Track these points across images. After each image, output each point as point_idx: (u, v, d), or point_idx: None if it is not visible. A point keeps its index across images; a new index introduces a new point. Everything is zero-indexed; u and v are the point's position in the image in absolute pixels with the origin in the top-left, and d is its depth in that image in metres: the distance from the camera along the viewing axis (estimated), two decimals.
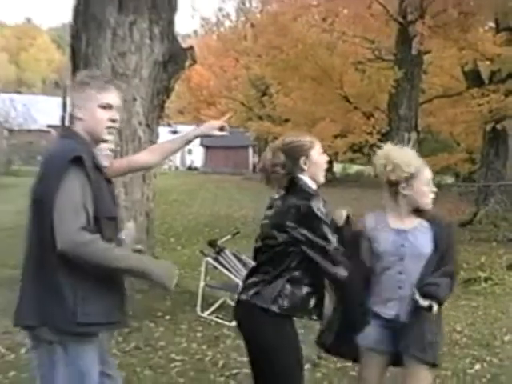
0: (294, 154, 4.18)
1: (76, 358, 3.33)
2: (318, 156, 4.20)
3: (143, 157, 4.17)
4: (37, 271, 3.33)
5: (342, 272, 3.83)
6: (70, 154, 3.24)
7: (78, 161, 3.24)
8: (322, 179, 4.22)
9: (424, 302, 3.90)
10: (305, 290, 3.95)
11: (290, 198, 4.07)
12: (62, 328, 3.26)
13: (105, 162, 3.76)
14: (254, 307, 3.91)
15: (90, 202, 3.27)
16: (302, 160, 4.16)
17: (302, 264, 3.93)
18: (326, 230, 3.88)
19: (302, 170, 4.16)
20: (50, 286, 3.27)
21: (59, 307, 3.25)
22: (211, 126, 4.18)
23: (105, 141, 3.55)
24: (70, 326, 3.25)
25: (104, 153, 3.79)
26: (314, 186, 4.14)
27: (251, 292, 3.97)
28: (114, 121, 3.50)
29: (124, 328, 3.64)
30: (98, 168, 3.40)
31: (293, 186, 4.15)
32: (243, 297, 4.03)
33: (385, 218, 4.24)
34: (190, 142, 4.17)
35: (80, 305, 3.25)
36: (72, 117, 3.53)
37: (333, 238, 3.87)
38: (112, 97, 3.51)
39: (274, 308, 3.87)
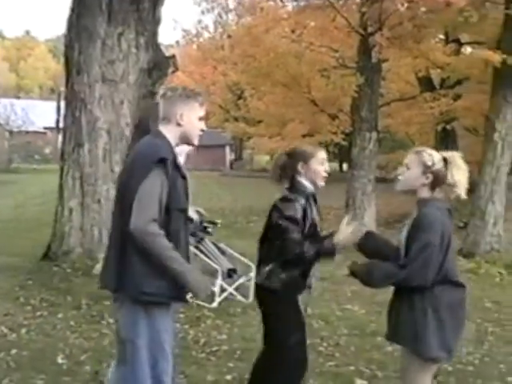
0: (294, 158, 4.50)
1: (154, 320, 3.63)
2: (316, 165, 4.47)
3: None
4: (118, 245, 3.59)
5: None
6: (156, 155, 3.53)
7: (162, 161, 3.52)
8: (320, 184, 4.51)
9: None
10: (295, 271, 4.33)
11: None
12: (132, 295, 3.56)
13: (182, 160, 4.25)
14: (259, 287, 4.48)
15: (165, 195, 3.53)
16: (299, 164, 4.46)
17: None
18: (289, 229, 4.25)
19: (300, 174, 4.46)
20: (126, 258, 3.53)
21: (131, 277, 3.52)
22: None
23: (194, 145, 3.92)
24: (138, 294, 3.53)
25: (185, 153, 4.42)
26: (310, 188, 4.45)
27: (259, 275, 4.47)
28: (203, 130, 3.86)
29: (183, 303, 4.26)
30: (176, 166, 3.64)
31: (291, 185, 4.47)
32: (256, 280, 4.57)
33: None
34: None
35: (145, 277, 3.50)
36: (166, 120, 3.77)
37: (293, 235, 4.24)
38: (204, 111, 3.88)
39: (271, 285, 4.32)
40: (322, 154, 4.53)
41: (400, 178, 4.01)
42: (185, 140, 3.83)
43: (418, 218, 3.84)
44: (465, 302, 3.99)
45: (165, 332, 3.68)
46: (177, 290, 3.61)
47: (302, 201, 4.33)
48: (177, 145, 3.81)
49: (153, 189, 3.48)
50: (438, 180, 3.89)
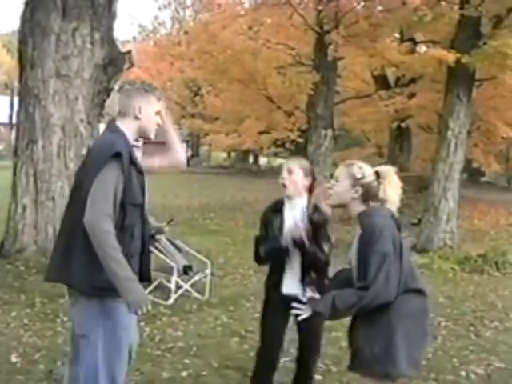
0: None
1: (110, 316, 3.55)
2: None
3: None
4: (67, 235, 3.56)
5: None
6: (111, 150, 3.49)
7: (117, 155, 3.48)
8: None
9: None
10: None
11: None
12: (82, 289, 3.51)
13: (139, 154, 4.11)
14: None
15: (120, 190, 3.50)
16: None
17: None
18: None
19: None
20: (76, 250, 3.47)
21: (80, 269, 3.46)
22: None
23: (150, 138, 3.89)
24: (86, 288, 3.48)
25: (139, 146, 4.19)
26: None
27: None
28: (159, 125, 3.88)
29: None
30: (132, 161, 3.60)
31: None
32: None
33: None
34: None
35: (95, 271, 3.42)
36: (122, 113, 3.74)
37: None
38: (162, 106, 3.88)
39: None
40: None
41: (330, 191, 3.87)
42: (142, 134, 3.81)
43: (365, 232, 3.66)
44: (427, 311, 3.82)
45: (121, 328, 3.60)
46: None
47: None
48: (136, 140, 3.80)
49: (107, 183, 3.44)
50: (368, 194, 3.75)
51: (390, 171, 3.82)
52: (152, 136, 3.87)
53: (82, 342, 3.58)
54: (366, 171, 3.78)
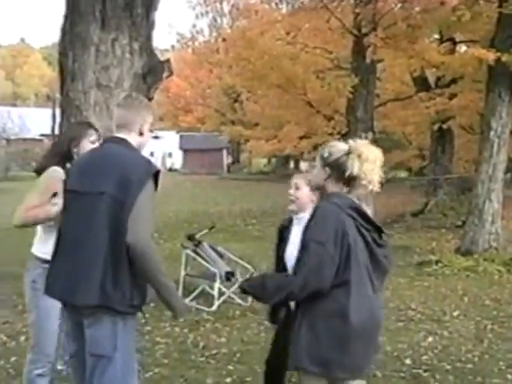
0: None
1: (130, 331, 3.53)
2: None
3: None
4: (105, 257, 3.39)
5: None
6: (152, 169, 3.50)
7: (155, 174, 3.49)
8: None
9: None
10: None
11: None
12: (119, 309, 3.40)
13: None
14: None
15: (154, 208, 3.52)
16: None
17: None
18: None
19: None
20: (112, 271, 3.38)
21: (119, 291, 3.38)
22: None
23: None
24: (126, 308, 3.42)
25: None
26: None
27: None
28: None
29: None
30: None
31: None
32: None
33: None
34: None
35: (134, 290, 3.42)
36: (126, 129, 3.67)
37: None
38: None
39: None
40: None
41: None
42: (141, 149, 3.76)
43: (311, 216, 3.48)
44: (343, 316, 3.35)
45: (133, 341, 3.63)
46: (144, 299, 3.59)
47: None
48: None
49: (150, 202, 3.44)
50: (338, 173, 3.51)
51: (359, 144, 3.54)
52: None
53: (102, 362, 3.45)
54: (332, 149, 3.58)
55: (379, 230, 3.63)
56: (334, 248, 3.31)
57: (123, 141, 3.64)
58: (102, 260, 3.38)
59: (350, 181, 3.49)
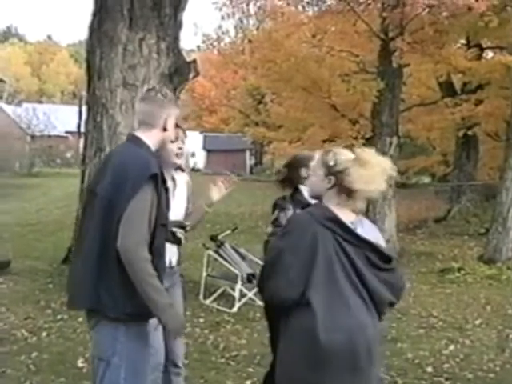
0: (296, 166, 4.53)
1: (133, 337, 3.40)
2: None
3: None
4: (96, 261, 3.31)
5: None
6: (148, 171, 3.32)
7: (152, 177, 3.32)
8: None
9: None
10: None
11: None
12: (112, 316, 3.31)
13: (178, 161, 4.18)
14: None
15: (153, 212, 3.34)
16: (302, 170, 4.42)
17: None
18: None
19: (304, 180, 4.31)
20: (107, 275, 3.29)
21: (112, 297, 3.29)
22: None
23: (158, 151, 3.66)
24: (119, 315, 3.30)
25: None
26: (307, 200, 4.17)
27: None
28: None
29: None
30: (163, 180, 3.46)
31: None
32: None
33: None
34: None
35: (129, 298, 3.28)
36: (149, 124, 3.54)
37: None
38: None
39: None
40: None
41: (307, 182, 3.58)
42: (161, 146, 3.68)
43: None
44: (316, 333, 3.08)
45: (145, 350, 3.50)
46: None
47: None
48: (156, 151, 3.61)
49: (144, 207, 3.28)
50: (341, 183, 3.26)
51: (364, 153, 3.27)
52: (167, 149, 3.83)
53: (101, 365, 3.41)
54: (339, 158, 3.30)
55: (381, 253, 3.30)
56: (291, 257, 3.12)
57: (136, 139, 3.54)
58: (94, 264, 3.31)
59: (353, 192, 3.25)
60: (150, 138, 3.52)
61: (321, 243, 3.12)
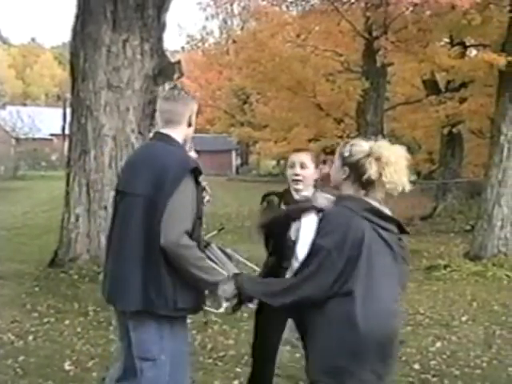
0: None
1: (178, 333, 3.52)
2: (288, 169, 4.38)
3: None
4: (141, 261, 3.39)
5: None
6: (187, 166, 3.43)
7: (194, 171, 3.43)
8: (293, 187, 4.31)
9: None
10: None
11: None
12: (162, 314, 3.39)
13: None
14: None
15: (195, 206, 3.44)
16: None
17: None
18: None
19: None
20: (156, 275, 3.37)
21: (162, 295, 3.37)
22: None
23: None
24: (170, 311, 3.40)
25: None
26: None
27: None
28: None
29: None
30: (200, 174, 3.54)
31: None
32: None
33: None
34: None
35: (179, 293, 3.40)
36: (175, 122, 3.63)
37: None
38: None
39: None
40: (291, 158, 4.34)
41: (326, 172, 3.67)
42: (185, 141, 3.77)
43: (320, 219, 3.32)
44: (352, 324, 3.14)
45: (185, 342, 3.62)
46: (200, 299, 3.62)
47: None
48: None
49: (186, 200, 3.37)
50: (357, 174, 3.28)
51: (380, 146, 3.32)
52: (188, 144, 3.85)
53: (147, 365, 3.47)
54: (354, 149, 3.34)
55: (401, 230, 3.41)
56: (338, 256, 3.12)
57: (166, 137, 3.61)
58: (140, 264, 3.38)
59: (368, 184, 3.27)
60: (178, 135, 3.63)
61: (364, 234, 3.17)
